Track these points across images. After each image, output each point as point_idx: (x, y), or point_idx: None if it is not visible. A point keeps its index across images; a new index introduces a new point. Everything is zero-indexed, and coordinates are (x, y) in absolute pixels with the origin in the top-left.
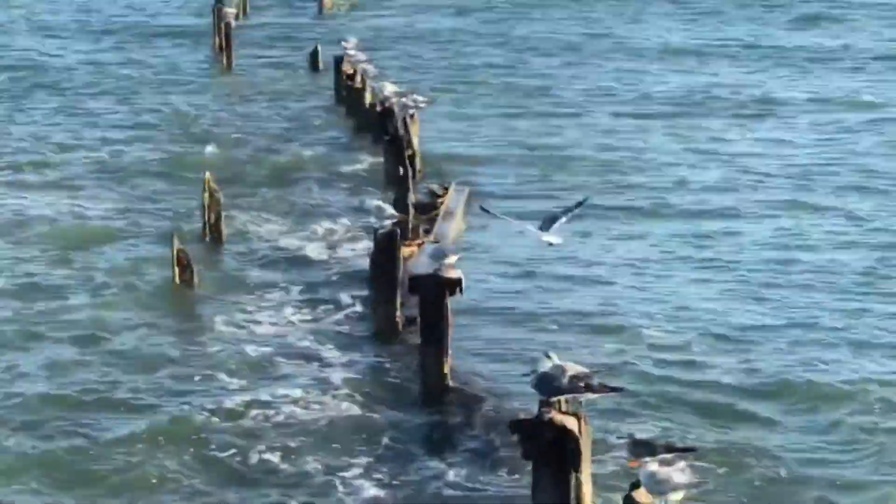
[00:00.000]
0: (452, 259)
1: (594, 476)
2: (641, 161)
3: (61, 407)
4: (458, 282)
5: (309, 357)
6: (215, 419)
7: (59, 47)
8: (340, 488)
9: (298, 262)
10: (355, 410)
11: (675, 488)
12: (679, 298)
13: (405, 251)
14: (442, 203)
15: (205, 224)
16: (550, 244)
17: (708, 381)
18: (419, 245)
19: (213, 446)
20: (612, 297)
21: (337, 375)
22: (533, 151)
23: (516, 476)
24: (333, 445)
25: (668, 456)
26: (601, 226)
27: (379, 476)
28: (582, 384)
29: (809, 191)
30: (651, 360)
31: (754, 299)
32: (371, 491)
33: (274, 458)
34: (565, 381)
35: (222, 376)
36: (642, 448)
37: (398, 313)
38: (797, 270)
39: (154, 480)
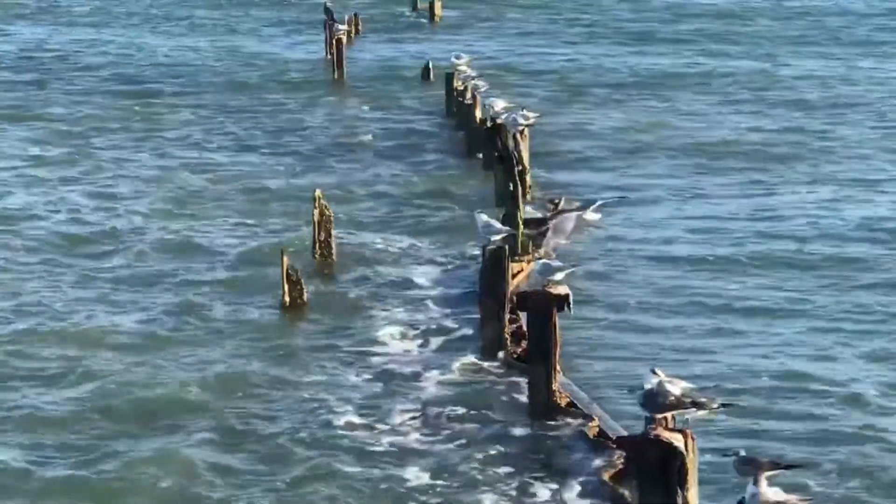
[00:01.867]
0: (561, 275)
1: (701, 493)
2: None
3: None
4: (565, 297)
5: (416, 373)
6: (326, 440)
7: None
8: None
9: (408, 279)
10: (464, 429)
11: None
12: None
13: (514, 268)
14: (552, 217)
15: (315, 242)
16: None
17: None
18: (528, 261)
19: (324, 469)
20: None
21: (444, 394)
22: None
23: (624, 495)
24: (443, 466)
25: (774, 472)
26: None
27: (490, 496)
28: (689, 400)
29: None
30: (761, 377)
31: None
32: None
33: (383, 479)
34: (672, 397)
35: (332, 397)
36: (749, 465)
37: (506, 330)
38: None
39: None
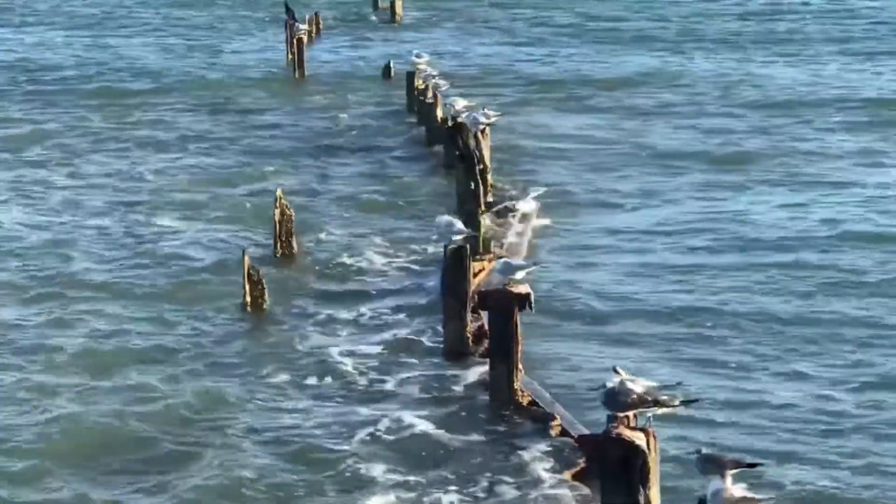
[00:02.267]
0: (522, 273)
1: (662, 492)
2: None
3: (124, 431)
4: (527, 297)
5: (378, 372)
6: (283, 437)
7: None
8: None
9: (369, 278)
10: (425, 427)
11: None
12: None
13: (476, 267)
14: (514, 217)
15: (276, 241)
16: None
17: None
18: (490, 260)
19: (280, 466)
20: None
21: (406, 392)
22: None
23: (585, 493)
24: (404, 465)
25: (737, 471)
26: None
27: (452, 496)
28: (650, 399)
29: None
30: (721, 372)
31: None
32: None
33: (345, 481)
34: (633, 396)
35: (292, 395)
36: (711, 463)
37: (467, 329)
38: None
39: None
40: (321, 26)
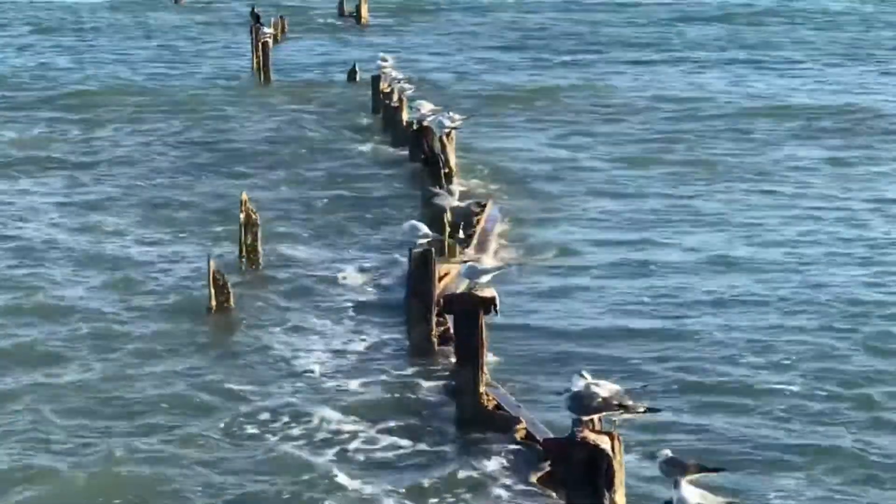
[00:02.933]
0: (487, 277)
1: (627, 495)
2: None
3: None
4: (492, 300)
5: (344, 376)
6: (244, 438)
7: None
8: None
9: (335, 282)
10: (390, 433)
11: None
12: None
13: (442, 270)
14: (479, 221)
15: (241, 245)
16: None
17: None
18: (455, 264)
19: (240, 468)
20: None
21: (370, 398)
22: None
23: (551, 498)
24: (369, 470)
25: (699, 475)
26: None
27: (418, 499)
28: (616, 403)
29: None
30: (686, 377)
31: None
32: None
33: (308, 484)
34: (598, 399)
35: (254, 397)
36: (675, 466)
37: (433, 332)
38: None
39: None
40: (286, 30)
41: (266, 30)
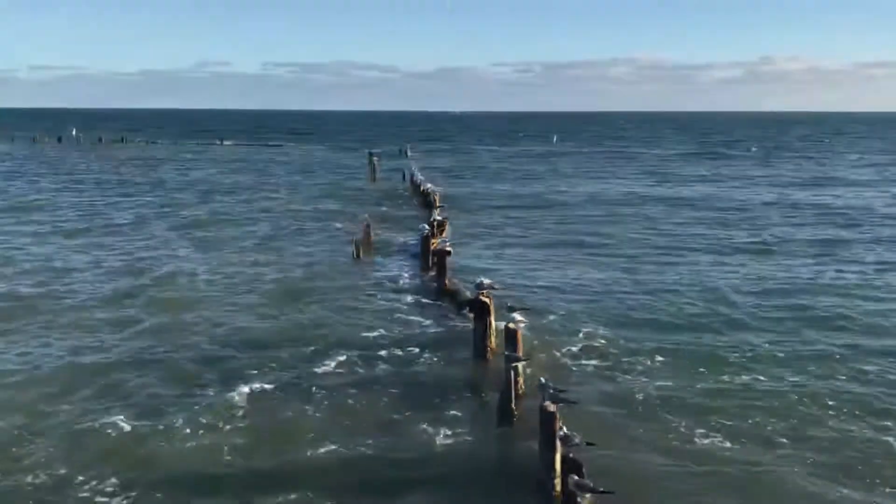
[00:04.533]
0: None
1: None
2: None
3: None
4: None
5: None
6: (368, 301)
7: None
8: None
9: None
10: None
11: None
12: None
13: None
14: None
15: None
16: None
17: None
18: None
19: (363, 317)
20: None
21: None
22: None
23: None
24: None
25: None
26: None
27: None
28: (496, 286)
29: None
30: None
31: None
32: None
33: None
34: (485, 283)
35: (373, 289)
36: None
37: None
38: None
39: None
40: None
41: (375, 158)
